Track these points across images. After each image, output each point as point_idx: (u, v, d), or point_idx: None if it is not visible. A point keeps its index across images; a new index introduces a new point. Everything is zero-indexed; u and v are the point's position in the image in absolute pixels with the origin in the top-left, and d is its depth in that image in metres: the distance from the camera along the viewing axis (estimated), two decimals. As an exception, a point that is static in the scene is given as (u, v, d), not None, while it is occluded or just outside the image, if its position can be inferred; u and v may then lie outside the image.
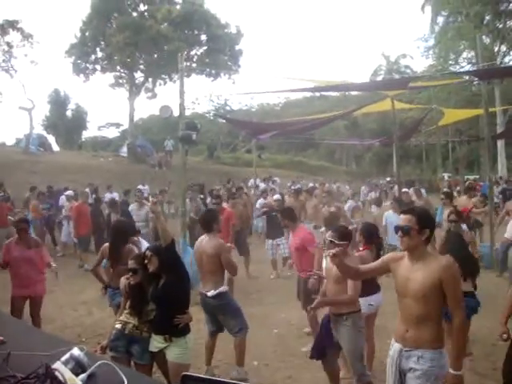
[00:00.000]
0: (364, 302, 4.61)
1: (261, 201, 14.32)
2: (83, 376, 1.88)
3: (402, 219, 3.06)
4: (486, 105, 11.67)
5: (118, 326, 4.03)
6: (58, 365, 1.85)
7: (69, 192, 13.49)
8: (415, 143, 30.22)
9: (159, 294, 3.87)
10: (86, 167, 22.98)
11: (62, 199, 13.50)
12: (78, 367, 1.95)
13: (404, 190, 12.10)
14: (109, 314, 4.42)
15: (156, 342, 3.90)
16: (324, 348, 4.36)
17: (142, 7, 30.68)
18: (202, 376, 1.44)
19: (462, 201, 10.70)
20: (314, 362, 4.54)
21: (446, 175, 28.85)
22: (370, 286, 4.71)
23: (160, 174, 23.69)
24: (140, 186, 16.42)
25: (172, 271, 3.91)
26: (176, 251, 4.12)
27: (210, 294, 5.08)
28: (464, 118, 21.97)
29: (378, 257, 5.02)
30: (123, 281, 4.20)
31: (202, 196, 13.27)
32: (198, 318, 6.52)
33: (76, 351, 2.01)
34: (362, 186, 22.74)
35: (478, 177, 28.59)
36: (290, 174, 28.04)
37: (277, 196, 12.04)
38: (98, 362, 1.99)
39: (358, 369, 4.15)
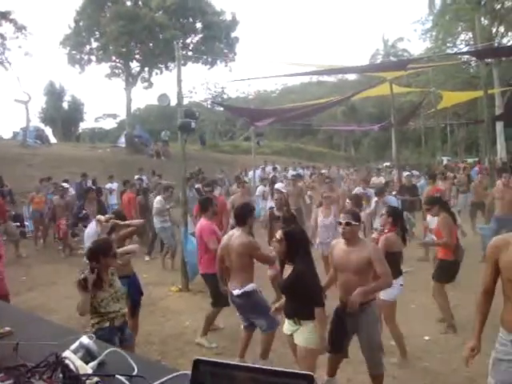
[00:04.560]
0: (395, 285, 4.70)
1: (260, 188, 14.30)
2: (93, 364, 1.88)
3: None
4: (485, 87, 11.62)
5: (107, 324, 4.06)
6: (67, 353, 1.84)
7: (64, 184, 13.46)
8: (414, 127, 30.10)
9: (291, 282, 3.84)
10: (84, 159, 22.89)
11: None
12: (87, 355, 1.94)
13: (406, 173, 12.13)
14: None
15: (288, 325, 3.99)
16: (342, 340, 4.21)
17: (136, -5, 30.34)
18: (213, 360, 1.43)
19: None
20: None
21: (445, 158, 28.78)
22: (397, 268, 4.81)
23: (159, 164, 23.62)
24: (137, 176, 16.39)
25: (300, 258, 3.88)
26: (305, 239, 4.09)
27: (235, 292, 4.86)
28: (463, 101, 21.89)
29: (403, 238, 5.06)
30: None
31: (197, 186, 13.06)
32: (201, 306, 6.58)
33: (85, 339, 2.01)
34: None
35: (477, 159, 28.55)
36: (289, 161, 27.93)
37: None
38: (108, 350, 1.98)
39: (379, 358, 4.13)
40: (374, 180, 13.78)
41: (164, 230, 10.03)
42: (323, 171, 19.21)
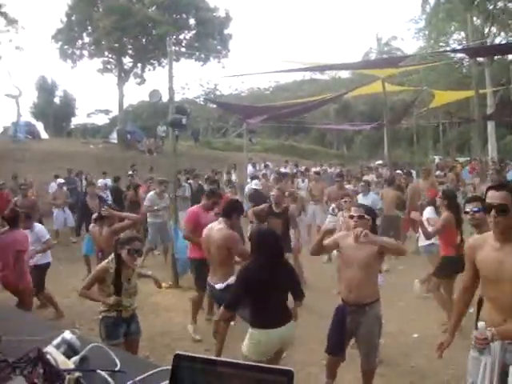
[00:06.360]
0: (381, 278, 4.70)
1: (250, 185, 14.20)
2: (75, 359, 1.86)
3: (497, 196, 2.66)
4: (477, 86, 11.71)
5: (113, 314, 4.08)
6: (49, 348, 1.82)
7: (59, 180, 13.32)
8: (406, 126, 30.27)
9: None
10: (76, 154, 22.73)
11: (53, 187, 13.39)
12: (70, 350, 1.92)
13: (397, 171, 12.20)
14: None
15: None
16: (343, 341, 4.09)
17: (129, -10, 30.15)
18: (193, 355, 1.42)
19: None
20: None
21: (436, 158, 28.90)
22: None
23: (151, 160, 23.51)
24: (130, 172, 16.27)
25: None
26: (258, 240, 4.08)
27: (218, 286, 4.90)
28: (454, 100, 22.01)
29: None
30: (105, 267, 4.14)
31: (190, 181, 13.05)
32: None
33: (68, 334, 1.99)
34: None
35: (468, 159, 28.73)
36: (281, 159, 27.90)
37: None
38: (90, 345, 1.96)
39: (374, 355, 4.13)
40: (365, 178, 13.87)
41: (152, 225, 9.75)
42: (331, 168, 19.47)
